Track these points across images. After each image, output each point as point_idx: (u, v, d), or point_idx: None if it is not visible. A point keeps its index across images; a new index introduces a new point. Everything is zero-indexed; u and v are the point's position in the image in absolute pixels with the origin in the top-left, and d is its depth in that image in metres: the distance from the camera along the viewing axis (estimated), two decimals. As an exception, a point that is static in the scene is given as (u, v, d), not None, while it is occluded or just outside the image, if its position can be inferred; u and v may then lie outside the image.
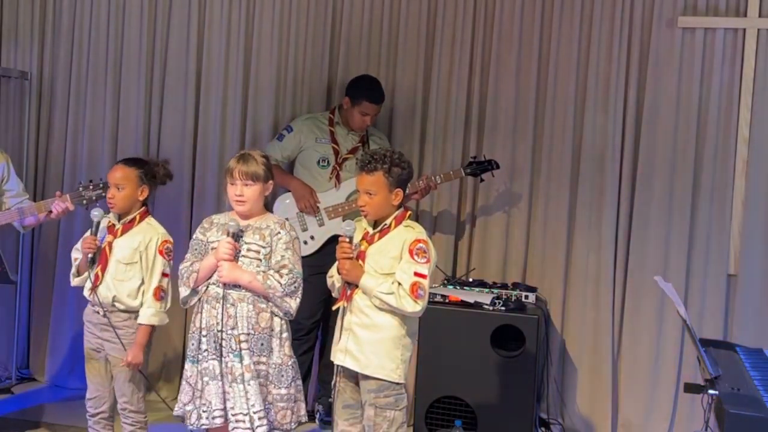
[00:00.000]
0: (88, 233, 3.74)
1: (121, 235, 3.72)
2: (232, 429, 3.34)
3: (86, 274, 3.72)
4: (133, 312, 3.70)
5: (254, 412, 3.32)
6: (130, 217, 3.74)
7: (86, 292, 3.73)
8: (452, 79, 4.88)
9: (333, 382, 3.47)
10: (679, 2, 4.61)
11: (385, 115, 4.92)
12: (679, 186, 4.63)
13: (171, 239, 3.80)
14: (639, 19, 4.67)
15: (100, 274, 3.67)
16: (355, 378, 3.40)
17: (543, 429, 4.69)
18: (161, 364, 5.12)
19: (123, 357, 3.65)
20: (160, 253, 3.72)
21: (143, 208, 3.78)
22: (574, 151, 4.77)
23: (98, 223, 3.69)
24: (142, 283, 3.70)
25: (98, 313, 3.69)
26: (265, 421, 3.33)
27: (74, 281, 3.79)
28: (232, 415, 3.34)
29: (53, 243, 5.30)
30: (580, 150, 4.76)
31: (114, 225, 3.74)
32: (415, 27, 4.93)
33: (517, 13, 4.80)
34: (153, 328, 3.72)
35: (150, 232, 3.75)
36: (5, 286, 4.82)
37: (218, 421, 3.36)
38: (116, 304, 3.68)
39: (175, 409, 3.48)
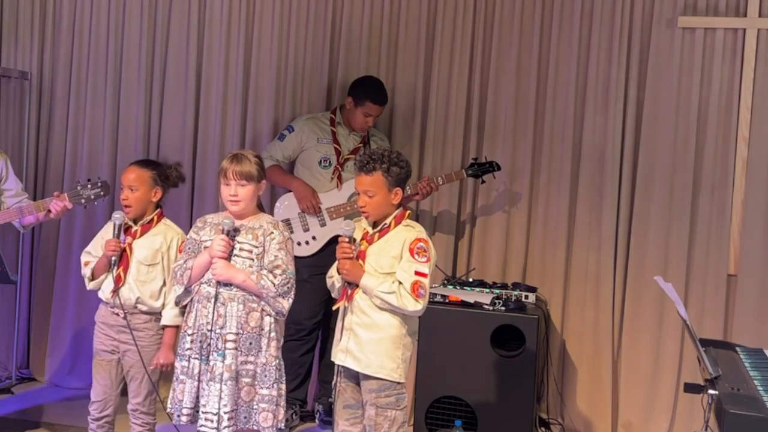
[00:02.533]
0: (104, 233, 3.75)
1: (140, 236, 3.71)
2: (200, 426, 3.36)
3: (103, 276, 3.71)
4: (154, 313, 3.70)
5: (224, 412, 3.33)
6: (148, 219, 3.74)
7: (106, 294, 3.70)
8: (452, 79, 4.88)
9: (333, 383, 3.47)
10: (679, 2, 4.61)
11: (385, 116, 4.92)
12: (679, 186, 4.63)
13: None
14: (639, 19, 4.67)
15: (122, 275, 3.66)
16: (355, 378, 3.40)
17: (543, 429, 4.70)
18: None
19: (139, 359, 3.65)
20: (181, 253, 3.71)
21: (159, 209, 3.78)
22: (574, 151, 4.78)
23: (120, 226, 3.68)
24: (164, 284, 3.70)
25: (118, 315, 3.68)
26: (232, 422, 3.33)
27: (90, 285, 3.75)
28: (203, 413, 3.35)
29: (53, 243, 5.30)
30: (580, 150, 4.76)
31: (131, 227, 3.73)
32: (415, 27, 4.93)
33: (517, 13, 4.80)
34: (178, 328, 3.71)
35: (170, 233, 3.76)
36: (5, 285, 4.82)
37: (184, 419, 3.40)
38: (138, 305, 3.67)
39: (168, 406, 3.50)
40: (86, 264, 3.76)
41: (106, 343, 3.73)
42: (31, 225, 4.19)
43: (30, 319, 5.40)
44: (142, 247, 3.69)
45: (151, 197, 3.74)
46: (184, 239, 3.75)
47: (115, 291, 3.65)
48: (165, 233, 3.75)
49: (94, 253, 3.77)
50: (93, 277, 3.73)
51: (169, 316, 3.68)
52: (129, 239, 3.69)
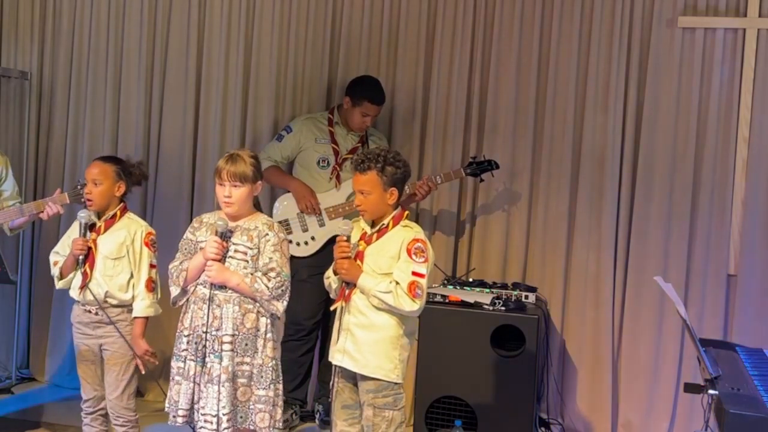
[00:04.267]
0: (71, 232, 3.79)
1: (104, 231, 3.75)
2: (199, 428, 3.36)
3: (71, 275, 3.74)
4: (125, 306, 3.74)
5: (223, 414, 3.32)
6: (110, 214, 3.78)
7: (75, 292, 3.74)
8: (452, 79, 4.88)
9: (331, 383, 3.47)
10: (679, 2, 4.61)
11: (385, 116, 4.92)
12: (679, 186, 4.63)
13: (153, 231, 3.84)
14: (639, 19, 4.67)
15: (88, 271, 3.68)
16: (353, 378, 3.40)
17: (543, 429, 4.69)
18: (159, 363, 5.11)
19: (122, 351, 3.69)
20: (146, 245, 3.77)
21: (122, 204, 3.81)
22: (574, 151, 4.77)
23: (86, 225, 3.71)
24: (131, 276, 3.73)
25: (90, 311, 3.72)
26: (231, 423, 3.33)
27: (59, 284, 3.80)
28: (201, 415, 3.34)
29: (53, 243, 5.20)
30: (580, 150, 4.76)
31: (95, 223, 3.76)
32: (415, 27, 4.93)
33: (517, 13, 4.80)
34: (147, 319, 3.76)
35: (133, 226, 3.79)
36: (5, 285, 4.82)
37: (179, 420, 3.40)
38: (108, 299, 3.71)
39: (165, 406, 3.50)
40: (55, 264, 3.80)
41: (87, 342, 3.76)
42: (20, 228, 4.20)
43: (30, 319, 5.40)
44: (106, 242, 3.73)
45: (114, 191, 3.77)
46: (149, 232, 3.80)
47: (83, 287, 3.68)
48: (128, 226, 3.78)
49: (62, 252, 3.81)
50: (62, 277, 3.77)
51: (140, 307, 3.72)
52: (93, 235, 3.72)
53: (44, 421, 4.66)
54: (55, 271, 3.79)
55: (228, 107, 5.12)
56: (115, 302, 3.72)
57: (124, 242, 3.74)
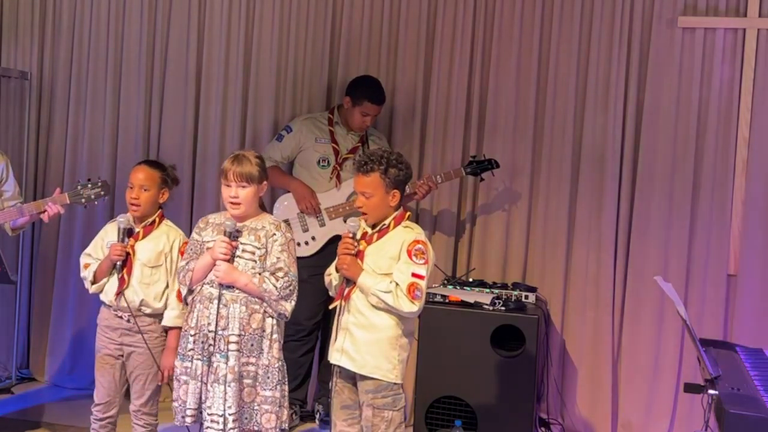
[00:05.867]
0: (104, 234, 3.75)
1: (143, 238, 3.70)
2: (206, 428, 3.36)
3: (105, 280, 3.69)
4: (158, 315, 3.69)
5: (229, 414, 3.33)
6: (150, 220, 3.73)
7: (109, 297, 3.68)
8: (452, 79, 4.88)
9: (330, 383, 3.47)
10: (679, 2, 4.61)
11: (385, 115, 4.92)
12: (679, 186, 4.63)
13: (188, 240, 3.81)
14: (639, 19, 4.67)
15: (126, 277, 3.64)
16: (353, 378, 3.40)
17: (543, 429, 4.69)
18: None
19: (150, 362, 3.66)
20: (182, 254, 3.70)
21: (159, 210, 3.77)
22: (574, 151, 4.78)
23: (126, 230, 3.67)
24: (167, 285, 3.70)
25: (122, 318, 3.66)
26: (237, 424, 3.34)
27: (93, 288, 3.73)
28: (208, 415, 3.35)
29: (53, 243, 5.30)
30: (580, 150, 4.76)
31: (132, 228, 3.72)
32: (415, 27, 4.93)
33: (517, 13, 4.80)
34: (180, 329, 3.71)
35: (172, 234, 3.76)
36: (5, 286, 4.82)
37: (188, 420, 3.39)
38: (143, 308, 3.66)
39: (173, 405, 3.49)
40: (86, 266, 3.74)
41: (109, 347, 3.72)
42: (21, 228, 4.17)
43: (30, 319, 5.39)
44: (145, 250, 3.68)
45: (158, 198, 3.74)
46: (185, 240, 3.74)
47: (119, 294, 3.64)
48: (167, 234, 3.74)
49: (94, 255, 3.76)
50: (95, 281, 3.71)
51: (170, 317, 3.67)
52: (131, 241, 3.68)
53: (44, 421, 4.66)
54: (86, 274, 3.73)
55: (228, 107, 5.11)
56: (148, 311, 3.67)
57: (162, 250, 3.70)
